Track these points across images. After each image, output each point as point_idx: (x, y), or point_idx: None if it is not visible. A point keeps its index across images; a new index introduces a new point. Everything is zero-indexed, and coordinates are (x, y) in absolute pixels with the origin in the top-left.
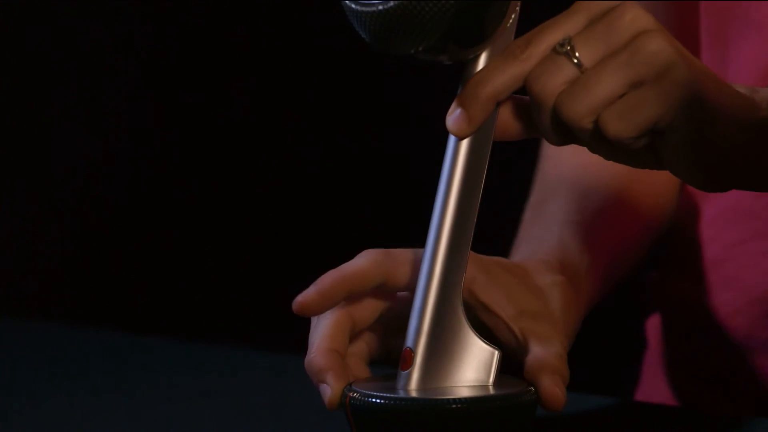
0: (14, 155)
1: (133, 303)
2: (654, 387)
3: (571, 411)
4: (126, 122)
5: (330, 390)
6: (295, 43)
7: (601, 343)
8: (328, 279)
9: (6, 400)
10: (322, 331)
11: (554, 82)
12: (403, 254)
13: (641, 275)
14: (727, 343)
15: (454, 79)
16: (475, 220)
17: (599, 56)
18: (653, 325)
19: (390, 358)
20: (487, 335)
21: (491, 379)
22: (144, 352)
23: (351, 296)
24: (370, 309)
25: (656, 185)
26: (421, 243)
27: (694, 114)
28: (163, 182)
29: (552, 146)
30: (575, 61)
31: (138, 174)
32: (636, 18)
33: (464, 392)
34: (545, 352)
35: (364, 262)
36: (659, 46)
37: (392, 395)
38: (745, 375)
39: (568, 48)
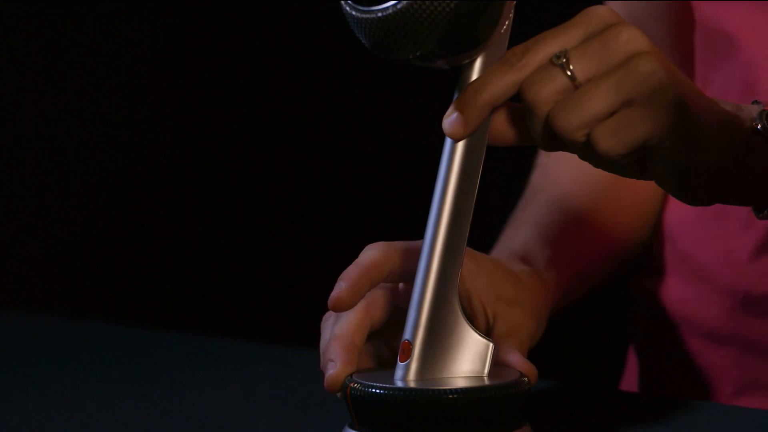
0: (32, 149)
1: (148, 299)
2: (636, 375)
3: (563, 401)
4: (141, 114)
5: (334, 371)
6: (298, 45)
7: (589, 334)
8: (354, 274)
9: (21, 390)
10: (345, 325)
11: (546, 91)
12: (404, 245)
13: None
14: (697, 333)
15: (450, 83)
16: (471, 218)
17: (593, 72)
18: (633, 320)
19: (394, 361)
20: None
21: (486, 370)
22: (157, 346)
23: (371, 288)
24: (383, 307)
25: (637, 200)
26: (419, 239)
27: (683, 134)
28: (174, 178)
29: (544, 154)
30: (569, 73)
31: (152, 167)
32: (632, 38)
33: (460, 383)
34: (509, 338)
35: (376, 254)
36: (652, 68)
37: (391, 386)
38: (715, 363)
39: (564, 60)
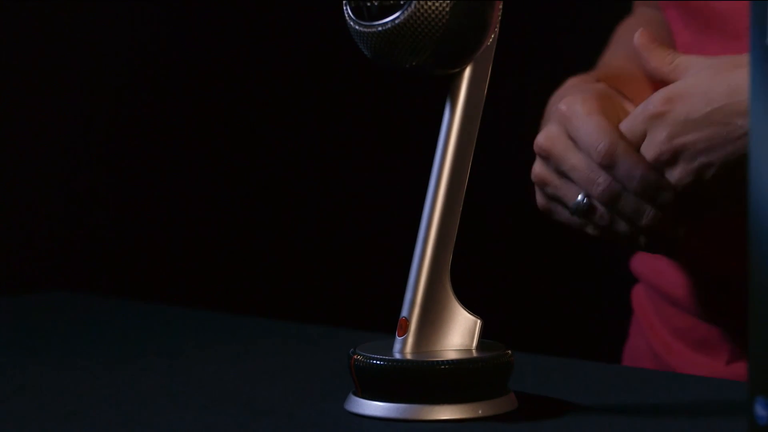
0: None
1: (177, 279)
2: (637, 345)
3: (565, 376)
4: (161, 107)
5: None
6: (302, 48)
7: (596, 310)
8: None
9: (60, 363)
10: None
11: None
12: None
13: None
14: (689, 311)
15: (443, 89)
16: (461, 209)
17: None
18: (637, 293)
19: None
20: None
21: (474, 344)
22: (181, 322)
23: None
24: None
25: None
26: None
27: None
28: (191, 165)
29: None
30: None
31: (175, 162)
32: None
33: (451, 355)
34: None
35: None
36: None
37: (390, 357)
38: (707, 338)
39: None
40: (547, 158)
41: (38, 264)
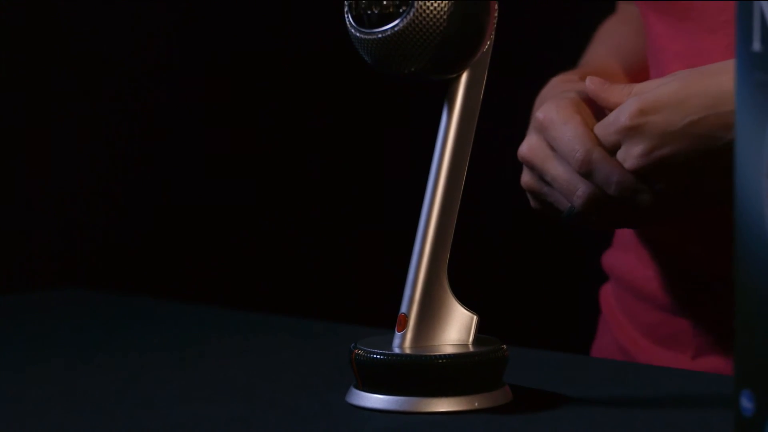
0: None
1: (182, 276)
2: (605, 342)
3: (558, 369)
4: (200, 105)
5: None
6: (308, 53)
7: (565, 308)
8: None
9: (75, 357)
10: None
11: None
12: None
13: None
14: (657, 306)
15: (440, 94)
16: (457, 210)
17: None
18: (605, 292)
19: None
20: None
21: (470, 339)
22: (189, 318)
23: None
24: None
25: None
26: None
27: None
28: (200, 164)
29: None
30: None
31: (179, 154)
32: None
33: (448, 350)
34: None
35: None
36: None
37: (390, 352)
38: (674, 333)
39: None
40: (531, 168)
41: (46, 262)
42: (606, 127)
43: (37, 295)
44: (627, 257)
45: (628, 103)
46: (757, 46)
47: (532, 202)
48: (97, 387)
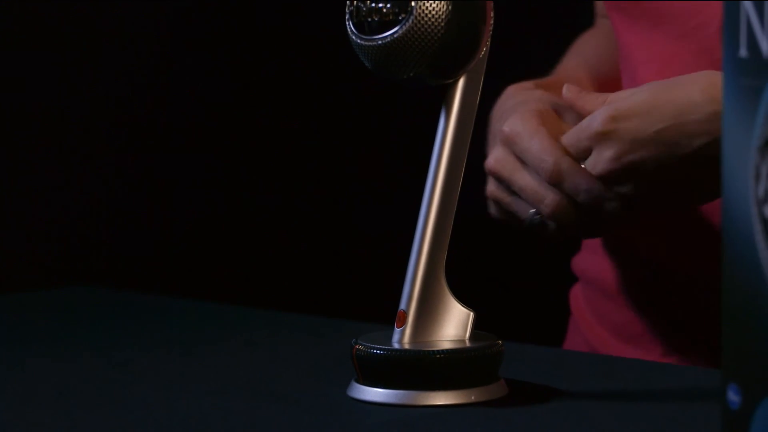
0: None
1: (187, 273)
2: (575, 342)
3: (553, 364)
4: (208, 104)
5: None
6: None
7: (537, 309)
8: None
9: (88, 353)
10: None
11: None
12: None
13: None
14: (627, 305)
15: (438, 98)
16: (455, 210)
17: None
18: (574, 294)
19: None
20: None
21: (467, 335)
22: (194, 314)
23: None
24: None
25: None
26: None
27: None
28: (202, 162)
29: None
30: None
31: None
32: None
33: (445, 345)
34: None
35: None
36: None
37: (389, 347)
38: (643, 331)
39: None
40: (498, 179)
41: (53, 260)
42: (578, 133)
43: (42, 294)
44: (596, 258)
45: (601, 110)
46: (743, 52)
47: (494, 210)
48: (105, 382)
